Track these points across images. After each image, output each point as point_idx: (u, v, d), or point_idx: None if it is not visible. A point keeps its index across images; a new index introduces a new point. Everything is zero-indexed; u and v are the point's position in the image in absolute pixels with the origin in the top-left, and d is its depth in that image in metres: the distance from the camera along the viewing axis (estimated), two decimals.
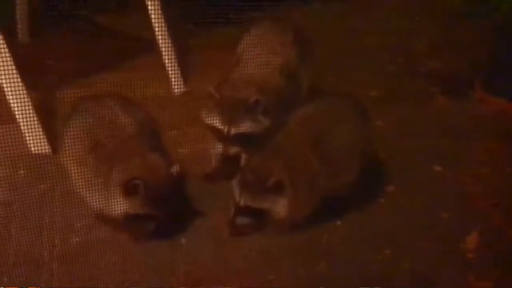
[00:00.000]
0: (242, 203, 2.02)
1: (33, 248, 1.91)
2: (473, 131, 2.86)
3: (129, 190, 1.88)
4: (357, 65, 3.31)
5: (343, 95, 2.39)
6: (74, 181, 1.98)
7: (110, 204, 1.90)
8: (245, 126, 2.17)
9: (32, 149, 2.24)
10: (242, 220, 2.06)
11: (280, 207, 2.02)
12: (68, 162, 1.98)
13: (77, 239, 2.01)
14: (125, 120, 2.05)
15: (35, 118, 2.28)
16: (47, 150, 2.34)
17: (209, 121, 2.20)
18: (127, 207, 1.90)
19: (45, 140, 2.34)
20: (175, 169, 2.00)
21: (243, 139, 2.19)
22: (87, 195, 1.96)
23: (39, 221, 2.01)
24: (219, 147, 2.25)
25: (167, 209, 1.95)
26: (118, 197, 1.89)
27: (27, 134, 2.19)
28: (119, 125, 2.03)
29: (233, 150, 2.22)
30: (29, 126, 2.21)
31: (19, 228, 1.96)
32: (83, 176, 1.95)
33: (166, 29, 2.75)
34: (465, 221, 2.24)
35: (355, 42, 3.54)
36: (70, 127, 2.04)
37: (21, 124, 2.18)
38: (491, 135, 2.83)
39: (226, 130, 2.18)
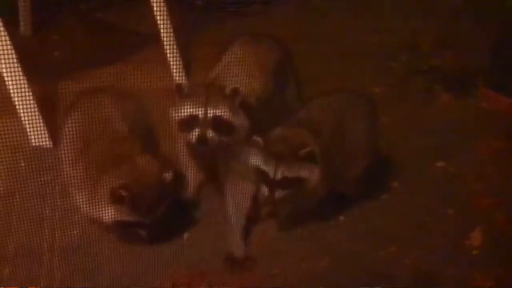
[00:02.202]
0: (278, 176, 1.94)
1: (34, 240, 1.89)
2: (477, 129, 2.85)
3: (115, 198, 1.80)
4: (360, 62, 3.29)
5: (357, 91, 2.37)
6: (67, 182, 1.94)
7: (97, 209, 1.84)
8: (223, 111, 1.94)
9: (33, 141, 2.23)
10: (280, 193, 1.96)
11: (315, 175, 1.96)
12: (63, 162, 1.94)
13: (77, 231, 2.00)
14: (120, 120, 1.96)
15: (36, 111, 2.27)
16: (47, 143, 2.33)
17: (181, 112, 1.94)
18: (114, 214, 1.83)
19: (46, 132, 2.32)
20: (168, 175, 1.88)
21: (222, 127, 1.95)
22: (78, 197, 1.90)
23: (40, 213, 2.00)
24: (195, 134, 1.94)
25: (157, 217, 1.86)
26: (105, 203, 1.82)
27: (28, 127, 2.17)
28: (113, 126, 1.94)
29: (210, 134, 1.93)
30: (30, 119, 2.18)
31: (20, 220, 1.94)
32: (75, 178, 1.89)
33: (169, 22, 2.73)
34: (469, 218, 2.23)
35: (358, 39, 3.52)
36: (65, 126, 2.00)
37: (22, 116, 2.16)
38: (495, 132, 2.82)
39: (202, 113, 1.93)
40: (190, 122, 1.96)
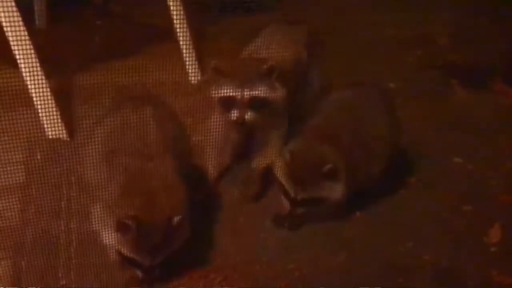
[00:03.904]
0: (299, 197, 1.96)
1: (51, 231, 1.90)
2: (493, 124, 2.81)
3: (121, 226, 1.67)
4: (376, 57, 3.26)
5: (372, 84, 2.35)
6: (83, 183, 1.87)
7: (103, 229, 1.73)
8: (261, 90, 2.05)
9: (49, 134, 2.24)
10: (300, 211, 2.01)
11: (336, 192, 1.97)
12: (85, 162, 1.86)
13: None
14: (153, 137, 1.84)
15: (53, 103, 2.27)
16: (63, 135, 2.34)
17: (219, 93, 2.06)
18: (116, 242, 1.70)
19: (62, 125, 2.33)
20: (175, 220, 1.70)
21: (260, 106, 2.07)
22: (89, 205, 1.80)
23: (56, 205, 2.00)
24: (234, 114, 2.05)
25: (158, 261, 1.72)
26: (111, 228, 1.71)
27: (44, 119, 2.18)
28: (145, 140, 1.83)
29: (248, 116, 2.05)
30: (46, 111, 2.19)
31: (37, 212, 1.95)
32: (91, 184, 1.81)
33: (184, 16, 2.72)
34: (488, 214, 2.19)
35: (373, 33, 3.49)
36: (99, 127, 1.92)
37: (39, 109, 2.16)
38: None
39: (240, 95, 2.04)
40: (228, 103, 2.06)
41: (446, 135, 2.67)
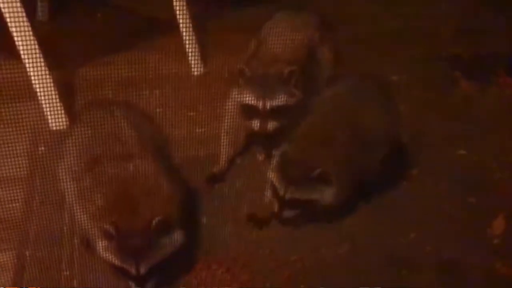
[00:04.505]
0: (288, 196, 1.94)
1: (54, 223, 1.90)
2: (497, 116, 2.79)
3: (104, 233, 1.63)
4: (378, 49, 3.24)
5: (368, 75, 2.32)
6: (67, 197, 1.82)
7: (92, 239, 1.71)
8: (281, 99, 2.11)
9: (52, 126, 2.24)
10: (289, 213, 1.98)
11: (328, 196, 1.94)
12: (64, 175, 1.80)
13: None
14: (130, 141, 1.79)
15: (56, 95, 2.27)
16: (66, 127, 2.34)
17: (242, 99, 2.12)
18: (103, 250, 1.66)
19: (65, 117, 2.33)
20: (155, 222, 1.62)
21: (280, 113, 2.12)
22: (77, 214, 1.76)
23: (59, 197, 2.01)
24: (256, 124, 2.12)
25: (146, 269, 1.64)
26: (98, 235, 1.66)
27: (47, 111, 2.18)
28: (122, 145, 1.77)
29: (271, 125, 2.12)
30: (49, 103, 2.19)
31: (40, 204, 1.96)
32: (75, 195, 1.76)
33: (186, 9, 2.71)
34: (491, 206, 2.19)
35: (377, 25, 3.48)
36: (72, 137, 1.86)
37: (42, 101, 2.17)
38: None
39: (261, 105, 2.10)
40: (250, 112, 2.13)
41: (450, 128, 2.65)
